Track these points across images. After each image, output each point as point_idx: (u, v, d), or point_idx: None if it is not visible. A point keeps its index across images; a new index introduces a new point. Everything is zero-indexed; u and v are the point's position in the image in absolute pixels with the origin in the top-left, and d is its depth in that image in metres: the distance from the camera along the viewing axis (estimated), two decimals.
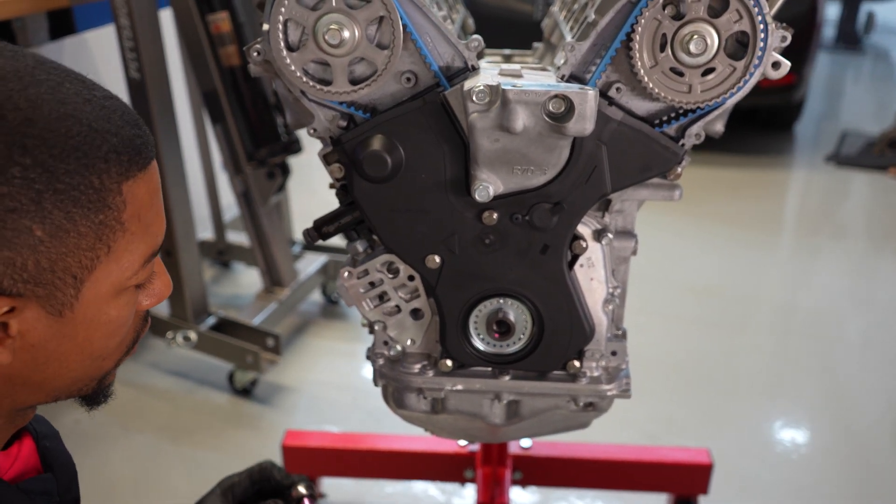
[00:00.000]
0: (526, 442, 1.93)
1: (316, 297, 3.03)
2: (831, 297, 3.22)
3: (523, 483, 1.94)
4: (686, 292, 3.18)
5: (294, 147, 2.56)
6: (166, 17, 2.43)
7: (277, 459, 2.01)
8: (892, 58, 7.87)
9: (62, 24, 2.64)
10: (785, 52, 0.99)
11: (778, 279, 3.40)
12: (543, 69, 1.10)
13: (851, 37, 7.89)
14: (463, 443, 1.89)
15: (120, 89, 2.50)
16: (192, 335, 2.46)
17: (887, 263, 3.60)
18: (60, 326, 0.70)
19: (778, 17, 0.97)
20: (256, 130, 2.48)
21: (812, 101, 5.74)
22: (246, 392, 2.48)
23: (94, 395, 0.80)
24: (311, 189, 3.25)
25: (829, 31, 7.84)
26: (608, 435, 2.21)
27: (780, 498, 2.12)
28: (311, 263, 2.91)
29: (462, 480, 1.92)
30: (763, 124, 5.14)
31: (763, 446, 2.31)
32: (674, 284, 3.24)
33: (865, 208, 4.33)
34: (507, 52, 1.48)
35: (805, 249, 3.69)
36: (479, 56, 1.36)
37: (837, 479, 2.19)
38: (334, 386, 2.57)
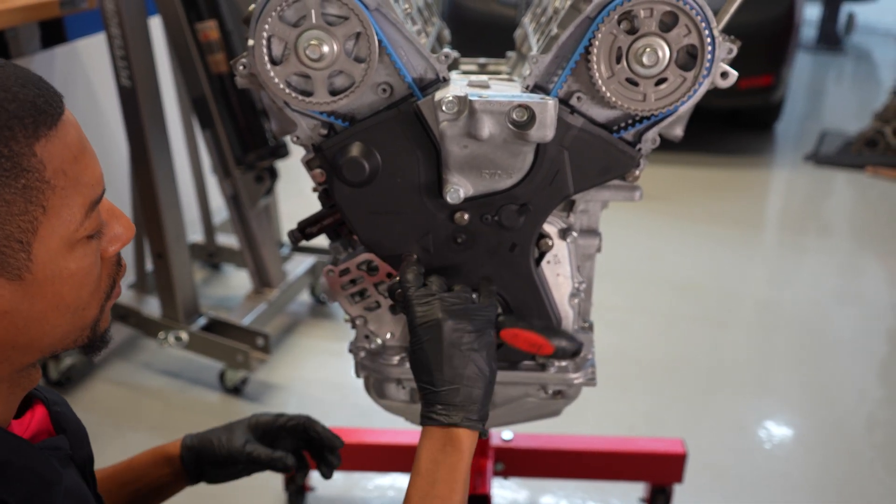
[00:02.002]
0: (507, 434, 2.01)
1: (304, 297, 3.08)
2: (812, 294, 3.29)
3: (505, 474, 2.01)
4: (669, 290, 3.25)
5: (281, 151, 2.61)
6: (156, 26, 2.48)
7: None
8: (873, 58, 7.96)
9: (54, 33, 2.70)
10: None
11: (759, 276, 3.47)
12: (511, 79, 1.18)
13: (832, 37, 7.98)
14: None
15: (111, 97, 2.56)
16: (184, 335, 2.51)
17: (867, 260, 3.68)
18: (25, 288, 0.73)
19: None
20: (245, 135, 2.52)
21: (793, 101, 5.82)
22: (237, 390, 2.54)
23: (91, 343, 0.83)
24: (298, 192, 3.31)
25: (810, 31, 7.94)
26: (591, 429, 2.28)
27: (755, 487, 2.20)
28: (299, 265, 2.96)
29: None
30: (743, 125, 5.23)
31: (740, 438, 2.39)
32: (657, 282, 3.30)
33: (844, 206, 4.41)
34: (482, 60, 1.56)
35: (786, 247, 3.77)
36: (454, 66, 1.44)
37: (813, 469, 2.27)
38: (322, 383, 2.63)
